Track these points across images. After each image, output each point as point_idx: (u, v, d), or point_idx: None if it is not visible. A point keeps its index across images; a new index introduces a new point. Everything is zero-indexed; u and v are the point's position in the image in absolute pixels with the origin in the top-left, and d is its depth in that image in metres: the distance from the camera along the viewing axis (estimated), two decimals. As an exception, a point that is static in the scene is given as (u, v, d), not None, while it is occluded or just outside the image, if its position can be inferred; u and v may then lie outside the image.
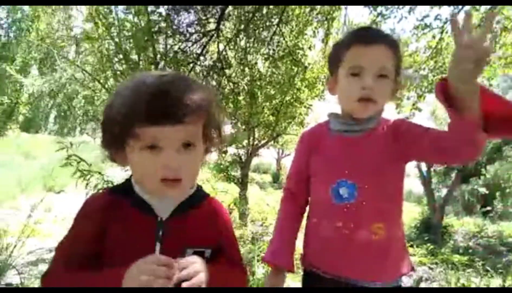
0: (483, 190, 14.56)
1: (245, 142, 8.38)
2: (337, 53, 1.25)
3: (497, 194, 15.17)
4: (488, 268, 4.82)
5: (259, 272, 3.74)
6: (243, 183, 8.32)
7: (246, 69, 6.53)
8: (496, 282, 4.36)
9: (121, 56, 4.86)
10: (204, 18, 5.53)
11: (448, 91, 0.94)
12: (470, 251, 8.62)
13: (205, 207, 0.97)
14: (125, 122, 0.78)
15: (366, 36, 1.20)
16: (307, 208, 1.37)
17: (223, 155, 7.84)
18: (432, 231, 10.05)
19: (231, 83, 6.19)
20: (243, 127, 8.00)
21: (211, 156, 1.00)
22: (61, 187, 8.55)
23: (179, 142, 0.82)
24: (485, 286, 3.99)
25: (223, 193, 6.44)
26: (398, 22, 6.26)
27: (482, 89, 0.93)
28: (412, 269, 1.29)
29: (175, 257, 0.84)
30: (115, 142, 0.84)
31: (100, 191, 0.96)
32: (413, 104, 6.90)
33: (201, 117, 0.84)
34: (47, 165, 10.31)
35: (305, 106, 7.69)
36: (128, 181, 0.93)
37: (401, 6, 6.08)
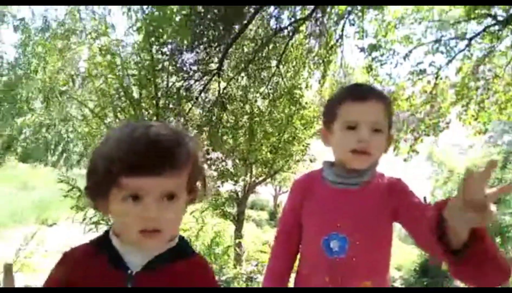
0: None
1: (242, 178, 8.38)
2: (331, 108, 1.28)
3: (497, 238, 14.95)
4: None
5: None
6: (239, 220, 8.23)
7: (247, 106, 6.67)
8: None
9: (122, 93, 4.98)
10: (206, 57, 5.74)
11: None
12: (471, 297, 8.38)
13: (184, 265, 0.90)
14: (110, 172, 0.78)
15: (360, 92, 1.25)
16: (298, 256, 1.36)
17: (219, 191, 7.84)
18: (430, 274, 9.81)
19: (231, 119, 6.31)
20: (241, 163, 8.04)
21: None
22: (54, 219, 8.43)
23: (161, 193, 0.80)
24: None
25: (216, 231, 6.37)
26: (395, 67, 6.47)
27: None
28: None
29: None
30: (99, 190, 0.83)
31: (82, 244, 0.93)
32: (410, 147, 6.99)
33: (186, 169, 0.83)
34: (42, 197, 10.22)
35: (302, 145, 7.77)
36: (106, 232, 0.92)
37: (396, 53, 6.34)
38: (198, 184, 0.91)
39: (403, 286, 8.09)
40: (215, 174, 6.83)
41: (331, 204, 1.23)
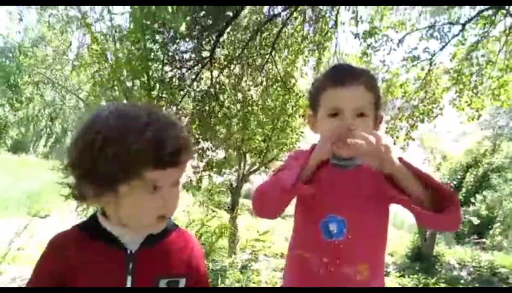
0: (474, 219, 14.60)
1: (236, 168, 8.36)
2: (314, 94, 1.25)
3: (489, 224, 15.18)
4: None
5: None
6: (233, 209, 8.24)
7: (239, 95, 6.61)
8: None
9: (115, 82, 4.88)
10: (199, 45, 5.64)
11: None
12: (462, 281, 8.55)
13: (174, 238, 0.99)
14: (134, 165, 0.80)
15: (340, 77, 1.19)
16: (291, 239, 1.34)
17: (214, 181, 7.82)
18: (423, 259, 9.97)
19: (224, 109, 6.25)
20: (235, 153, 8.01)
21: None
22: (47, 211, 8.36)
23: (174, 181, 0.87)
24: None
25: (212, 219, 6.35)
26: (388, 54, 6.43)
27: (412, 169, 1.09)
28: None
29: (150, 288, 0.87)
30: (111, 183, 0.82)
31: (67, 229, 0.94)
32: (406, 134, 7.02)
33: (191, 158, 0.91)
34: (34, 189, 10.11)
35: (296, 134, 7.74)
36: (93, 218, 0.93)
37: (390, 39, 6.30)
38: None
39: (396, 271, 8.20)
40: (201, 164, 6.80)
41: (328, 186, 1.21)
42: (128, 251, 0.89)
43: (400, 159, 1.13)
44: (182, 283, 0.94)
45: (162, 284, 0.91)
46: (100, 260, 0.87)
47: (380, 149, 1.05)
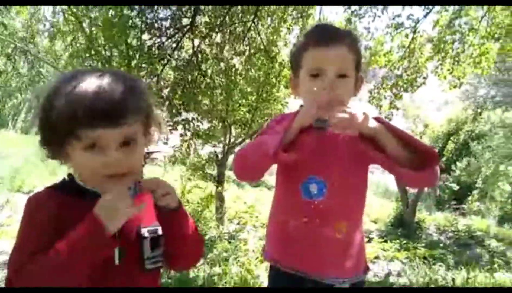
0: (454, 185, 15.09)
1: (221, 139, 8.33)
2: (296, 55, 1.25)
3: (468, 191, 15.69)
4: (455, 262, 4.95)
5: (233, 271, 3.73)
6: (219, 181, 8.27)
7: (222, 64, 6.46)
8: (462, 275, 4.54)
9: (92, 51, 4.71)
10: (178, 13, 5.43)
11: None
12: (442, 245, 8.91)
13: (144, 193, 1.01)
14: (67, 125, 0.82)
15: (322, 37, 1.18)
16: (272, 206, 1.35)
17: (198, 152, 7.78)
18: (405, 226, 10.32)
19: (207, 79, 6.11)
20: (219, 124, 7.93)
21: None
22: (30, 187, 8.23)
23: (118, 141, 0.86)
24: (452, 279, 4.13)
25: (199, 190, 6.36)
26: (373, 20, 6.35)
27: (391, 128, 1.11)
28: (367, 268, 1.32)
29: (132, 238, 0.93)
30: (56, 141, 0.87)
31: (41, 190, 0.97)
32: (390, 104, 7.07)
33: (140, 116, 0.89)
34: (15, 164, 9.89)
35: (281, 104, 7.69)
36: (68, 178, 0.96)
37: (374, 6, 6.20)
38: (153, 128, 0.98)
39: (378, 237, 8.48)
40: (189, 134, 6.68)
41: (310, 148, 1.21)
42: None
43: (379, 119, 1.14)
44: (160, 231, 0.99)
45: (144, 232, 0.96)
46: (84, 214, 0.87)
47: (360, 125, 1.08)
